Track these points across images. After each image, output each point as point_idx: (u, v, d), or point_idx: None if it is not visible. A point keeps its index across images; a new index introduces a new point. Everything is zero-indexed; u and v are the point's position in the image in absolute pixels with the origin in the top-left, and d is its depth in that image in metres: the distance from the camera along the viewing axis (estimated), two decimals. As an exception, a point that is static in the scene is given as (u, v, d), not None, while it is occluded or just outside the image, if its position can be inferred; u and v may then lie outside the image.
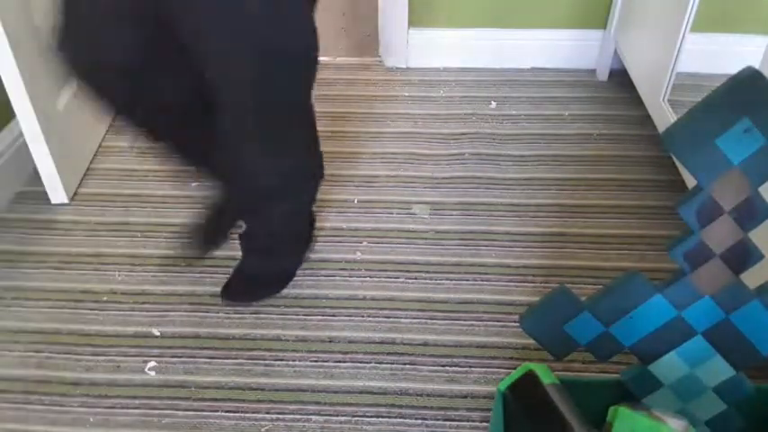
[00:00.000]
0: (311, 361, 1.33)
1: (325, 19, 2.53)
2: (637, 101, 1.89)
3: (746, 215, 0.76)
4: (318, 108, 2.01)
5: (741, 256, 0.78)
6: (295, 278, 1.49)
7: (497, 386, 0.85)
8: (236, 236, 1.47)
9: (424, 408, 1.25)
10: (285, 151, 1.22)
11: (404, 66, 2.17)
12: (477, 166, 1.80)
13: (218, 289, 1.46)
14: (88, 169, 1.80)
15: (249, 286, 1.44)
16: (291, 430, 1.22)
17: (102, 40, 1.08)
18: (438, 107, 2.01)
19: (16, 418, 1.23)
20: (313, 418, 1.23)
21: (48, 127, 1.59)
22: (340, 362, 1.33)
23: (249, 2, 1.01)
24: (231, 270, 1.49)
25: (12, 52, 1.44)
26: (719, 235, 0.77)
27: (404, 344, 1.36)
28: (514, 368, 0.85)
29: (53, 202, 1.68)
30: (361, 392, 1.28)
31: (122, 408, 1.25)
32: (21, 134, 1.66)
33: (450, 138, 1.89)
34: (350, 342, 1.36)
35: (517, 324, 1.39)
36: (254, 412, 1.24)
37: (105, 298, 1.45)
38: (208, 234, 1.47)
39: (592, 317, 0.83)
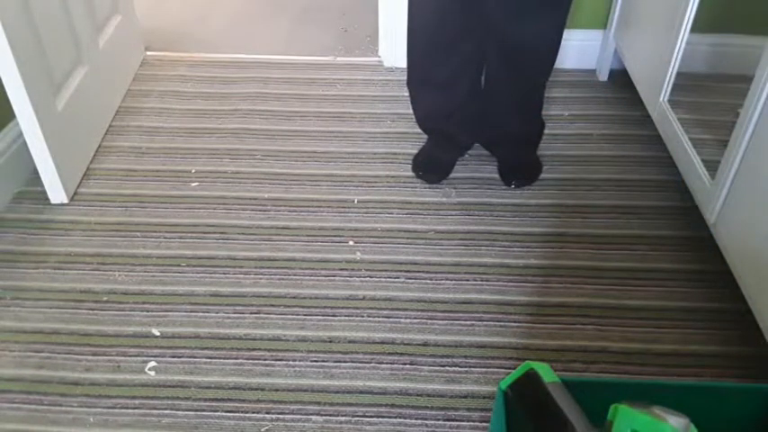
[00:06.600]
0: (311, 361, 1.33)
1: (326, 19, 2.54)
2: (637, 101, 1.89)
3: None
4: (318, 108, 2.02)
5: None
6: (295, 278, 1.49)
7: (498, 385, 0.84)
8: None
9: (424, 408, 1.25)
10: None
11: (404, 66, 2.17)
12: (477, 166, 1.80)
13: (219, 289, 1.47)
14: (88, 169, 1.80)
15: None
16: (291, 430, 1.21)
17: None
18: (438, 107, 2.01)
19: (16, 418, 1.23)
20: (313, 418, 1.23)
21: (48, 127, 1.59)
22: (340, 362, 1.33)
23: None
24: (230, 270, 1.49)
25: (12, 52, 1.44)
26: None
27: (404, 344, 1.36)
28: (514, 368, 0.85)
29: (53, 202, 1.68)
30: (361, 392, 1.27)
31: (122, 408, 1.25)
32: (21, 134, 1.66)
33: (450, 138, 1.89)
34: (350, 342, 1.36)
35: (517, 324, 1.39)
36: (254, 412, 1.24)
37: (105, 298, 1.45)
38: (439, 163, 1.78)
39: None
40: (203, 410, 1.24)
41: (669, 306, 1.43)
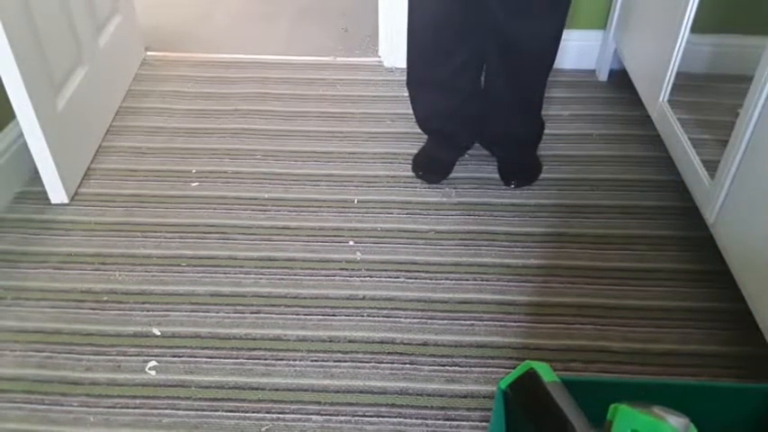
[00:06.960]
0: (311, 361, 1.33)
1: (325, 19, 2.54)
2: (637, 101, 1.90)
3: None
4: (318, 108, 2.03)
5: None
6: (295, 278, 1.49)
7: (498, 385, 0.84)
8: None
9: (424, 408, 1.25)
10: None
11: (404, 66, 2.17)
12: (477, 166, 1.80)
13: (219, 289, 1.47)
14: (88, 169, 1.80)
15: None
16: (291, 430, 1.22)
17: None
18: (438, 107, 2.01)
19: (17, 418, 1.23)
20: (313, 417, 1.23)
21: (48, 127, 1.59)
22: (340, 362, 1.33)
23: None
24: (230, 270, 1.49)
25: (12, 52, 1.44)
26: None
27: (404, 344, 1.36)
28: (514, 368, 0.85)
29: (53, 202, 1.68)
30: (361, 392, 1.28)
31: (123, 407, 1.25)
32: (21, 134, 1.66)
33: (450, 138, 1.89)
34: (350, 342, 1.37)
35: (517, 324, 1.40)
36: (254, 412, 1.24)
37: (105, 298, 1.45)
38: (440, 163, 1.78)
39: None
40: (204, 410, 1.24)
41: (669, 306, 1.43)
